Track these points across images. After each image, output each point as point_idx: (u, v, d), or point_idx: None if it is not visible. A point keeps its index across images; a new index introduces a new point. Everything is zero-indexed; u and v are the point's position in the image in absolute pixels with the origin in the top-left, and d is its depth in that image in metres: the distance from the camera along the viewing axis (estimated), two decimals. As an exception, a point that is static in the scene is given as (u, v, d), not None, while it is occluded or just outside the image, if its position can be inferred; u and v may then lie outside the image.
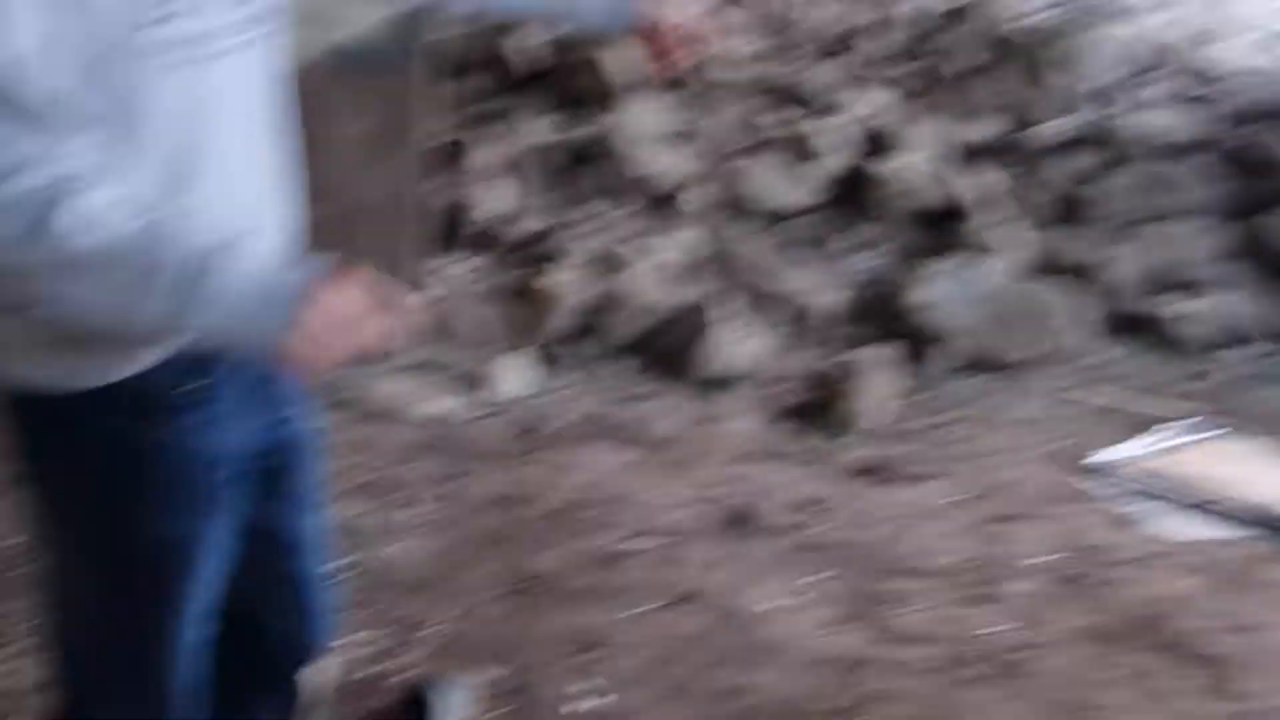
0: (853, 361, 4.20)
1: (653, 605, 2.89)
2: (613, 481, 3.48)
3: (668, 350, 4.34)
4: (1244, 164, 5.83)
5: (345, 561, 2.73)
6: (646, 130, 5.12)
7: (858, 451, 3.92)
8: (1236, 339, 5.30)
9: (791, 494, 3.53)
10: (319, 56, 3.76)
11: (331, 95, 3.81)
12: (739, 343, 4.36)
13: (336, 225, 4.09)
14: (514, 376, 4.12)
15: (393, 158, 3.97)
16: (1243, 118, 6.05)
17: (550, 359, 4.26)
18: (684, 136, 5.42)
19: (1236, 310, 5.35)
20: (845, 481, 3.70)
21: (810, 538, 3.28)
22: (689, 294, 4.67)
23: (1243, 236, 5.62)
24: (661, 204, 5.13)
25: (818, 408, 4.10)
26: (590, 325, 4.55)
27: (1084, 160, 5.82)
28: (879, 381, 4.16)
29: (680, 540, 3.21)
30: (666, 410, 4.01)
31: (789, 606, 2.94)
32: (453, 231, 4.51)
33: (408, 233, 4.08)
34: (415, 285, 4.08)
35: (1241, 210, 5.74)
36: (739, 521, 3.33)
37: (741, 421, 4.02)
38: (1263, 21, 7.62)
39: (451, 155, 4.59)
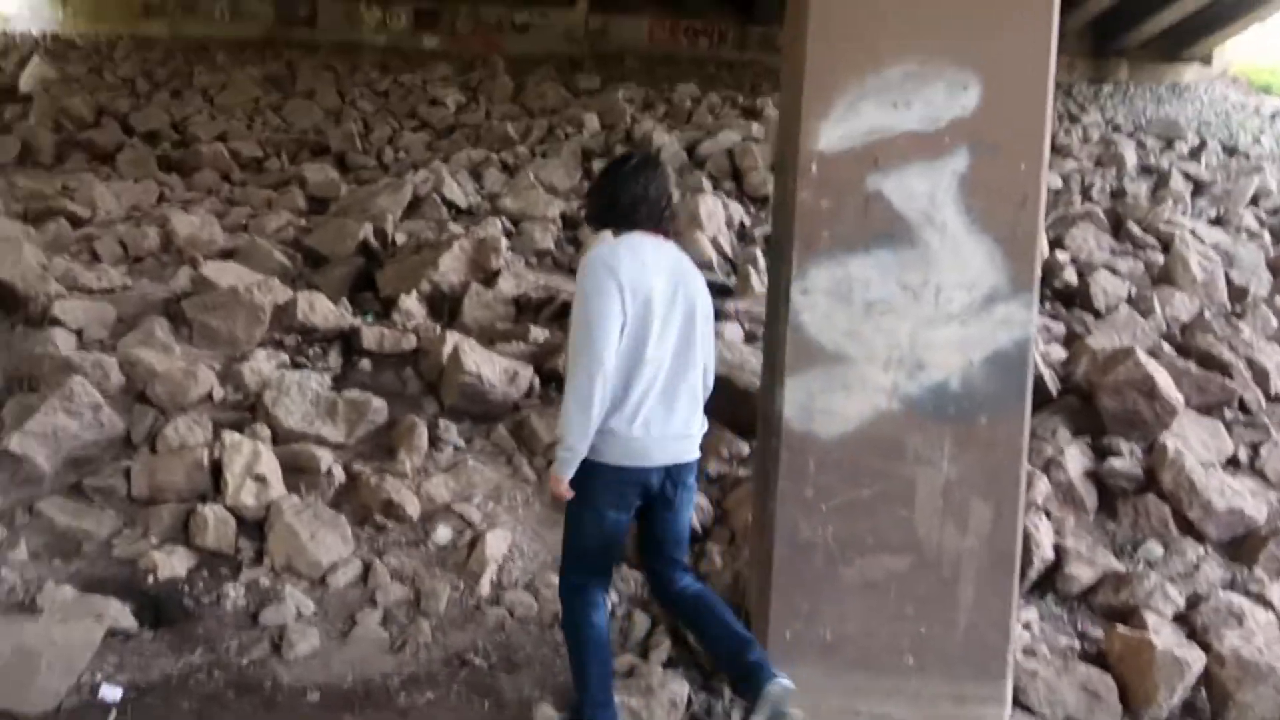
0: None
1: None
2: None
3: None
4: None
5: None
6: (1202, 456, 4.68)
7: None
8: None
9: None
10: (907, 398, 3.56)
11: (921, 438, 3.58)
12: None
13: (921, 575, 3.75)
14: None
15: (986, 503, 3.64)
16: None
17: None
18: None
19: None
20: None
21: None
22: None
23: None
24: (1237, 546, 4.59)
25: None
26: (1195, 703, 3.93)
27: None
28: None
29: None
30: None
31: None
32: (1022, 574, 4.09)
33: (1000, 583, 3.67)
34: (1006, 638, 3.64)
35: None
36: None
37: None
38: None
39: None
